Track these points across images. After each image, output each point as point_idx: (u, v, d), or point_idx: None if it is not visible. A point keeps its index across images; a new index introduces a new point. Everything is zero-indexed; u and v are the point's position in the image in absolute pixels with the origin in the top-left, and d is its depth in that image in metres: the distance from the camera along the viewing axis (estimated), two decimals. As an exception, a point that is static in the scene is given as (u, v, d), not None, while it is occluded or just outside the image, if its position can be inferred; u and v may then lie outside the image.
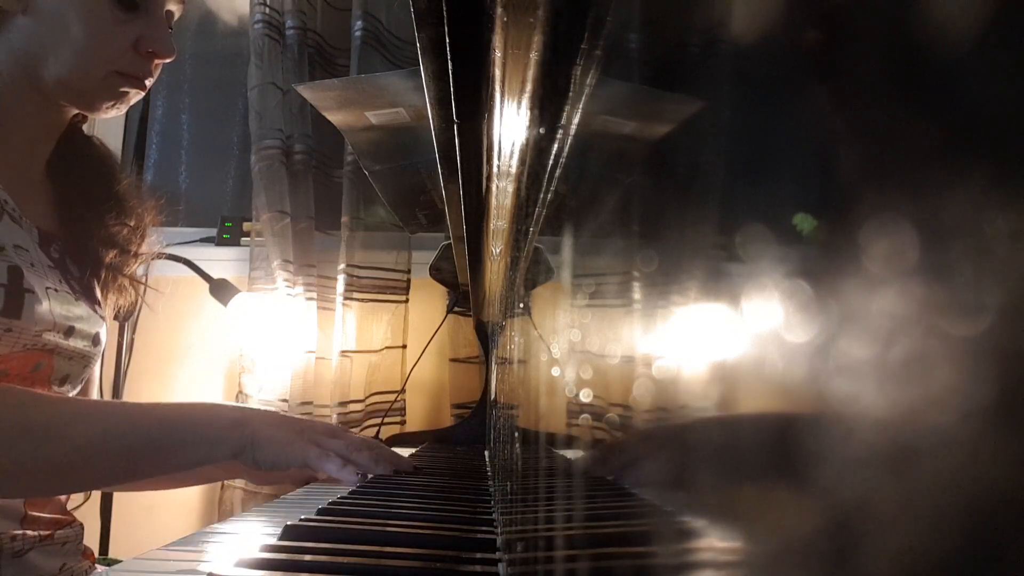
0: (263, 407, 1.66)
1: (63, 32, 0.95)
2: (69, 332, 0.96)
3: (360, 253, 1.74)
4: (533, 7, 0.35)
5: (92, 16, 0.95)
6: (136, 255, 1.12)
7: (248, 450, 0.90)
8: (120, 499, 1.67)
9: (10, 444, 0.80)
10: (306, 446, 0.91)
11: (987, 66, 0.07)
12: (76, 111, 1.04)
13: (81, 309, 0.99)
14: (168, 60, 1.02)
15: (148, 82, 1.02)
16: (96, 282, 1.07)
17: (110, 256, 1.07)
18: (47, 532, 0.96)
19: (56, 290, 0.94)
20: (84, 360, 1.02)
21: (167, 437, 0.88)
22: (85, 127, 1.13)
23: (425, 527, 0.65)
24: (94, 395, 1.19)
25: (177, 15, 1.06)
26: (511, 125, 0.48)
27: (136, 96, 1.03)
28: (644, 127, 0.23)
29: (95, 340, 1.03)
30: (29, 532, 0.93)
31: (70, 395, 1.02)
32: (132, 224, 1.10)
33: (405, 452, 1.43)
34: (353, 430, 1.66)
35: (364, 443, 0.97)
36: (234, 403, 1.01)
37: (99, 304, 1.06)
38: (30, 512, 0.94)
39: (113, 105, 1.01)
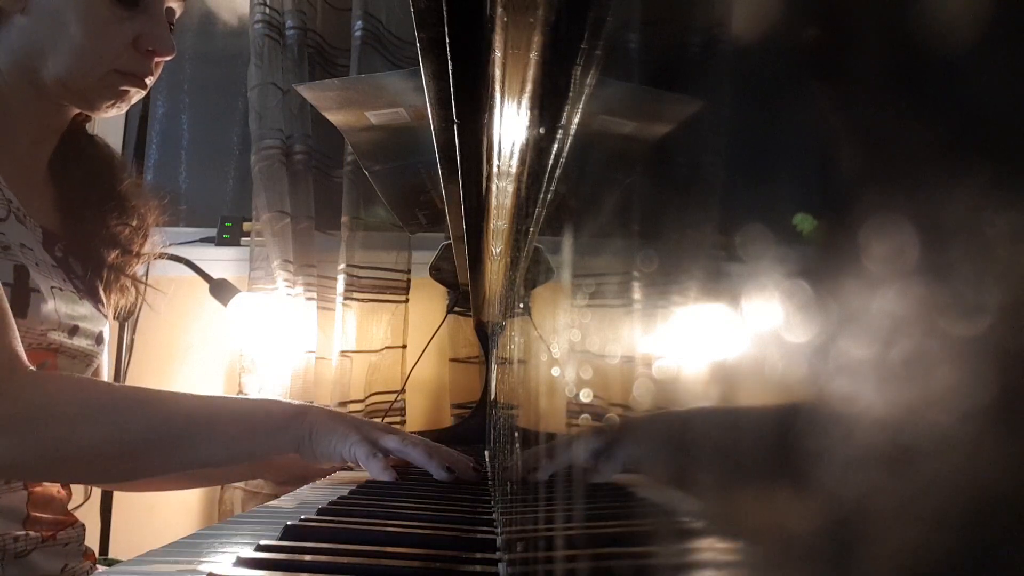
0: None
1: (61, 31, 0.95)
2: (73, 331, 0.96)
3: (360, 253, 1.74)
4: (533, 7, 0.35)
5: (90, 15, 0.95)
6: (138, 255, 1.12)
7: (307, 441, 0.92)
8: (120, 499, 1.67)
9: (74, 430, 0.81)
10: (359, 442, 0.93)
11: (987, 66, 0.07)
12: (78, 110, 1.04)
13: (85, 308, 0.99)
14: (168, 58, 1.02)
15: (149, 80, 1.01)
16: (99, 281, 1.07)
17: (112, 256, 1.07)
18: (49, 533, 0.96)
19: (61, 289, 0.95)
20: (87, 359, 1.02)
21: (230, 425, 0.89)
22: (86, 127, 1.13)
23: (425, 527, 0.65)
24: None
25: (178, 12, 1.06)
26: (511, 125, 0.48)
27: (137, 95, 1.02)
28: (644, 127, 0.23)
29: (98, 339, 1.03)
30: (32, 533, 0.93)
31: None
32: (134, 224, 1.10)
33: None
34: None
35: (420, 440, 0.99)
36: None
37: (102, 303, 1.06)
38: (32, 513, 0.94)
39: (114, 104, 1.01)
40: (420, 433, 1.68)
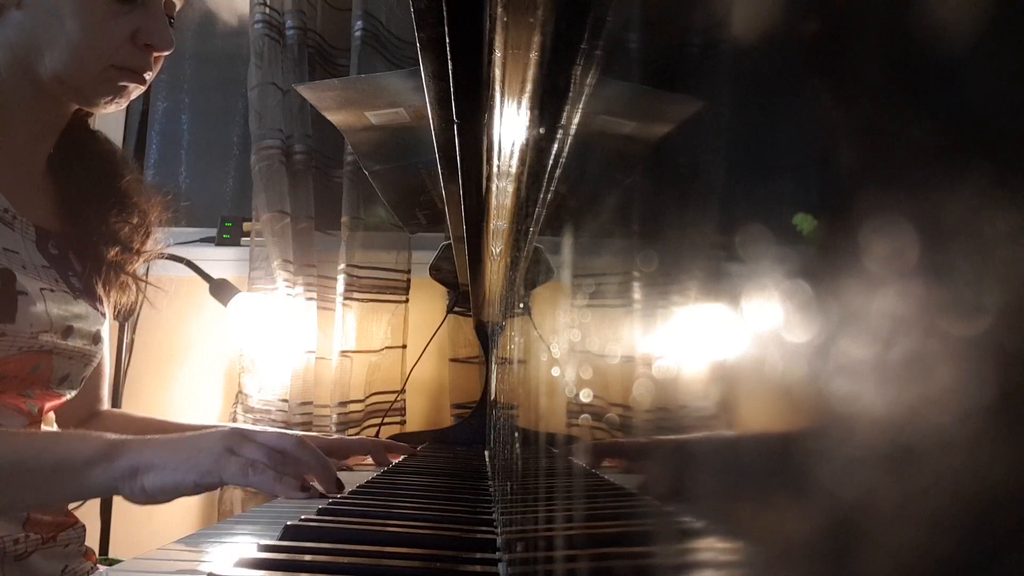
0: (263, 407, 1.66)
1: (58, 26, 0.94)
2: (67, 332, 0.96)
3: (360, 253, 1.74)
4: (533, 7, 0.35)
5: (87, 9, 0.94)
6: (139, 252, 1.11)
7: (130, 481, 0.80)
8: (120, 499, 1.67)
9: None
10: (220, 459, 0.79)
11: (987, 66, 0.07)
12: (78, 106, 1.03)
13: (80, 308, 0.98)
14: (166, 53, 1.00)
15: (148, 76, 1.00)
16: (98, 279, 1.06)
17: (112, 253, 1.06)
18: (50, 534, 0.95)
19: (52, 290, 0.94)
20: (84, 359, 1.01)
21: (28, 467, 0.78)
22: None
23: (425, 527, 0.65)
24: (106, 391, 1.18)
25: (179, 6, 1.05)
26: (511, 125, 0.48)
27: (136, 91, 1.01)
28: (644, 127, 0.23)
29: (95, 338, 1.02)
30: (32, 534, 0.92)
31: (70, 394, 1.02)
32: (135, 221, 1.09)
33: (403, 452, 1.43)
34: (352, 430, 1.66)
35: (278, 451, 0.82)
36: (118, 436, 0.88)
37: (100, 302, 1.05)
38: (32, 515, 0.94)
39: (112, 100, 1.00)
40: (420, 433, 1.68)
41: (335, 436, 1.47)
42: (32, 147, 1.01)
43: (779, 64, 0.13)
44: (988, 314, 0.07)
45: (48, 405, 0.98)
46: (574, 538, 0.26)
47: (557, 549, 0.29)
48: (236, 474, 0.79)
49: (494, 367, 1.26)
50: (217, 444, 0.81)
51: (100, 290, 1.06)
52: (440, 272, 1.67)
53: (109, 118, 1.79)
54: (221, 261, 1.79)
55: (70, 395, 1.02)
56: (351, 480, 1.01)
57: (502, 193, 0.62)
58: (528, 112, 0.41)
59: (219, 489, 1.66)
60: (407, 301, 1.79)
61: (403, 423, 1.75)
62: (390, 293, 1.77)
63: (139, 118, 1.85)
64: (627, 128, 0.25)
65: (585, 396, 0.27)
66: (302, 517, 0.65)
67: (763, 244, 0.12)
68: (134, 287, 1.12)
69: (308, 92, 1.34)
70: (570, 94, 0.31)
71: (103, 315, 1.05)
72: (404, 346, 1.77)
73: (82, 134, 1.09)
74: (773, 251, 0.12)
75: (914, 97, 0.08)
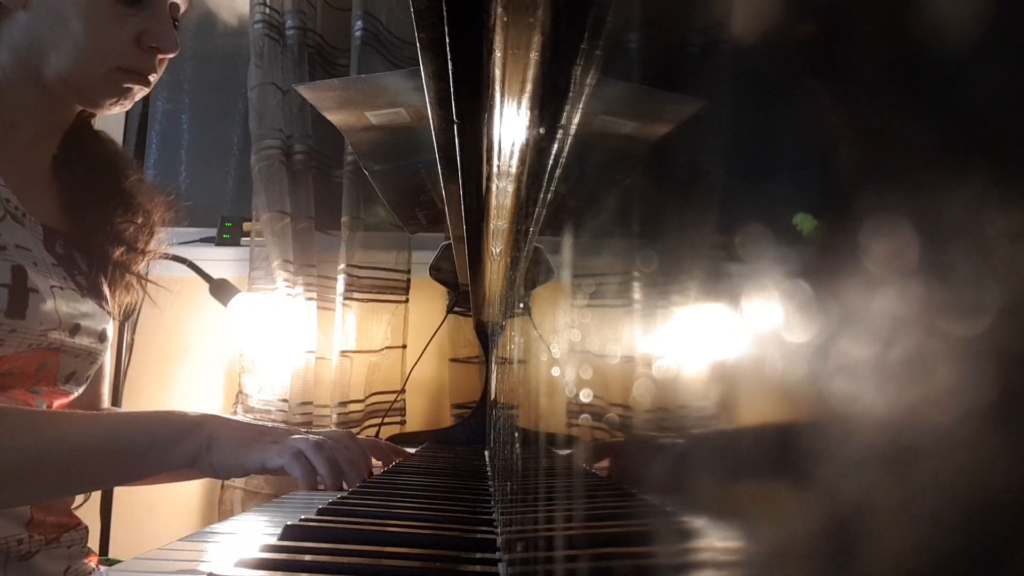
0: (263, 407, 1.66)
1: (63, 27, 0.94)
2: (75, 330, 0.96)
3: (360, 253, 1.74)
4: (533, 7, 0.35)
5: (92, 11, 0.94)
6: (144, 252, 1.11)
7: (204, 455, 0.88)
8: (120, 499, 1.67)
9: None
10: (265, 447, 0.89)
11: (987, 66, 0.07)
12: (82, 107, 1.04)
13: (87, 306, 0.98)
14: (171, 55, 1.01)
15: (152, 78, 1.01)
16: (103, 279, 1.07)
17: (117, 253, 1.07)
18: (53, 535, 0.95)
19: (61, 288, 0.94)
20: (91, 357, 1.01)
21: (119, 443, 0.85)
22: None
23: (425, 527, 0.65)
24: (106, 389, 1.18)
25: (183, 8, 1.05)
26: (511, 125, 0.48)
27: (140, 92, 1.02)
28: (644, 127, 0.23)
29: (101, 337, 1.02)
30: (35, 535, 0.93)
31: (76, 392, 1.02)
32: (139, 221, 1.09)
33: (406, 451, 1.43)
34: (352, 430, 1.66)
35: (327, 443, 0.91)
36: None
37: (106, 300, 1.06)
38: (36, 515, 0.94)
39: (117, 101, 1.00)
40: (420, 433, 1.68)
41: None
42: (36, 147, 1.01)
43: (779, 64, 0.13)
44: (988, 314, 0.07)
45: (56, 403, 0.98)
46: (574, 538, 0.26)
47: (557, 549, 0.29)
48: (300, 447, 0.89)
49: (494, 367, 1.26)
50: (271, 435, 0.91)
51: (106, 289, 1.06)
52: (440, 272, 1.67)
53: (110, 118, 1.79)
54: (221, 261, 1.79)
55: (76, 392, 1.02)
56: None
57: (502, 193, 0.62)
58: (528, 112, 0.41)
59: (220, 489, 1.67)
60: (407, 301, 1.79)
61: (403, 423, 1.75)
62: (390, 293, 1.77)
63: (139, 119, 1.85)
64: (627, 128, 0.25)
65: (585, 396, 0.27)
66: (302, 517, 0.65)
67: (763, 244, 0.12)
68: (138, 286, 1.12)
69: (308, 92, 1.34)
70: (570, 94, 0.31)
71: (108, 314, 1.05)
72: (404, 346, 1.77)
73: (85, 135, 1.09)
74: (773, 251, 0.12)
75: (914, 97, 0.08)
